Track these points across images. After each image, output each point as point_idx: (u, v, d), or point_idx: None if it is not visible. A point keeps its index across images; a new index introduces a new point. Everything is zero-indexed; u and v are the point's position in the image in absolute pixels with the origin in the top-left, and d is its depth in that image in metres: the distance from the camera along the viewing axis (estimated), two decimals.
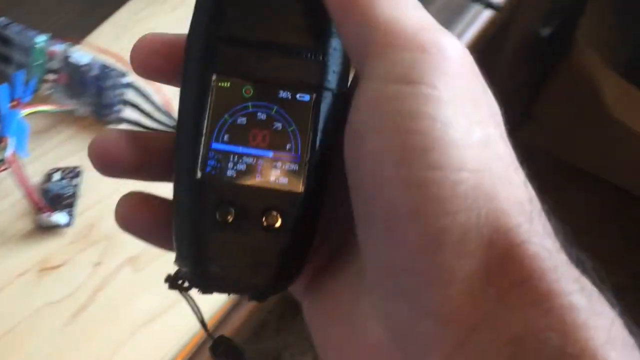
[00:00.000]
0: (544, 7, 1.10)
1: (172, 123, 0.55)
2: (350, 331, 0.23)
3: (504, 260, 0.20)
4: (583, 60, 1.22)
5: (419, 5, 0.23)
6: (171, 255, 0.25)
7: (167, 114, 0.56)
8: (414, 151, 0.20)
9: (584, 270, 0.21)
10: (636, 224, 1.26)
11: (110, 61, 0.56)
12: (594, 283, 0.21)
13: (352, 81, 0.25)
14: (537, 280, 0.19)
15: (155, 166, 0.26)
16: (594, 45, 1.21)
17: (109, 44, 0.59)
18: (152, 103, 0.56)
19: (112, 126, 0.56)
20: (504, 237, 0.20)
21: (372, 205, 0.21)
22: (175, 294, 0.26)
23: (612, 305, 0.20)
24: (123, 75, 0.56)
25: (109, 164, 0.25)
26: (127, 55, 0.25)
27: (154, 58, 0.25)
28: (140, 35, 0.25)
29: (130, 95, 0.56)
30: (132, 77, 0.56)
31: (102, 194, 0.53)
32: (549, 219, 0.22)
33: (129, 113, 0.56)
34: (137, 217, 0.26)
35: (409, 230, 0.20)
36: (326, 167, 0.25)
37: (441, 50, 0.22)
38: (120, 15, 0.64)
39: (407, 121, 0.21)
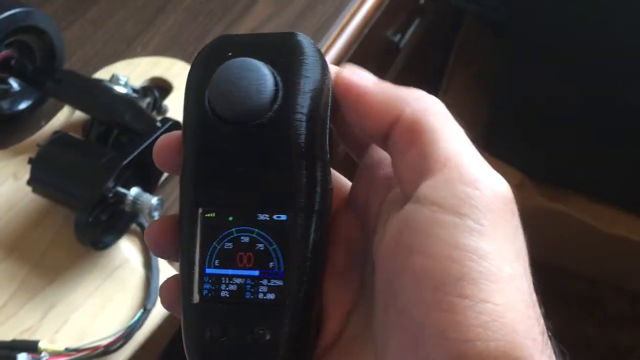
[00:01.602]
0: None
1: None
2: None
3: None
4: None
5: (471, 144, 0.26)
6: None
7: None
8: (450, 278, 0.23)
9: None
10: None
11: None
12: None
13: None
14: None
15: None
16: None
17: None
18: None
19: None
20: None
21: (403, 316, 0.24)
22: None
23: None
24: None
25: (161, 248, 0.28)
26: None
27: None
28: None
29: None
30: None
31: None
32: (552, 344, 0.25)
33: None
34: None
35: (434, 349, 0.23)
36: (311, 277, 0.27)
37: (491, 189, 0.24)
38: None
39: (451, 249, 0.23)
